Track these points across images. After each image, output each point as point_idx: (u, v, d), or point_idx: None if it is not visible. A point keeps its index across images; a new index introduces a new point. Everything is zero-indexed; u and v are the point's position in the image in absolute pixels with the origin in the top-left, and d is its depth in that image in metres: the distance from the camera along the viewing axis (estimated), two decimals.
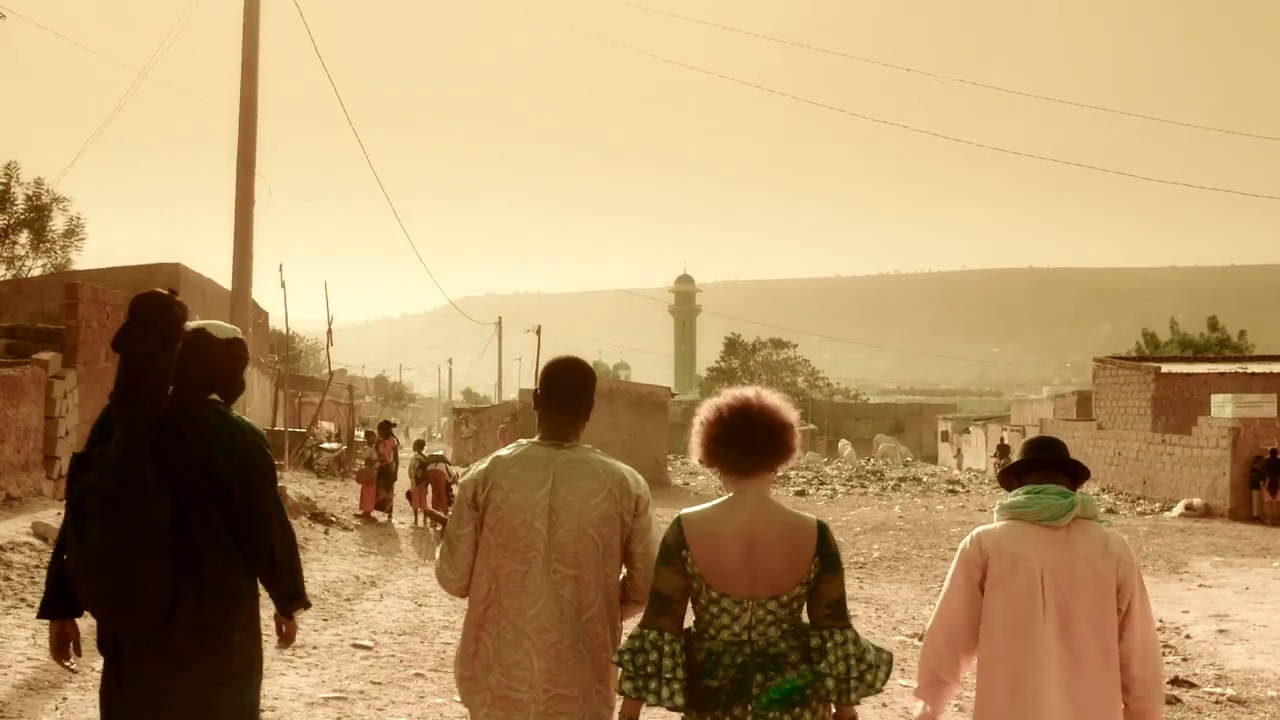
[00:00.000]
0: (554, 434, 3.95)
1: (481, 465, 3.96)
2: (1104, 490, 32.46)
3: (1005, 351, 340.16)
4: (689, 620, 3.67)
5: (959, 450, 55.73)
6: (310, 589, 12.16)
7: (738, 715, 3.48)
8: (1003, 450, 41.67)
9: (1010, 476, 4.10)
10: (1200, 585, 14.74)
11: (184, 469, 3.87)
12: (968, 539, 4.01)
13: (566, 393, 3.99)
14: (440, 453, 22.51)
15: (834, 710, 3.57)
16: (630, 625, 3.73)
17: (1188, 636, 11.12)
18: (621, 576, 3.93)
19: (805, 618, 3.64)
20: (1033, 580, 3.80)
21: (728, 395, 3.80)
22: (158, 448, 3.84)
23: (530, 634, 3.77)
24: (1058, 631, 3.76)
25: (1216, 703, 8.47)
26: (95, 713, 7.07)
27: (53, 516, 13.06)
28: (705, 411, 3.79)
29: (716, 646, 3.55)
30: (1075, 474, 4.02)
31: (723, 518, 3.62)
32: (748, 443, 3.67)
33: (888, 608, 12.28)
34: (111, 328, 19.51)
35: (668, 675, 3.51)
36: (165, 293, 4.01)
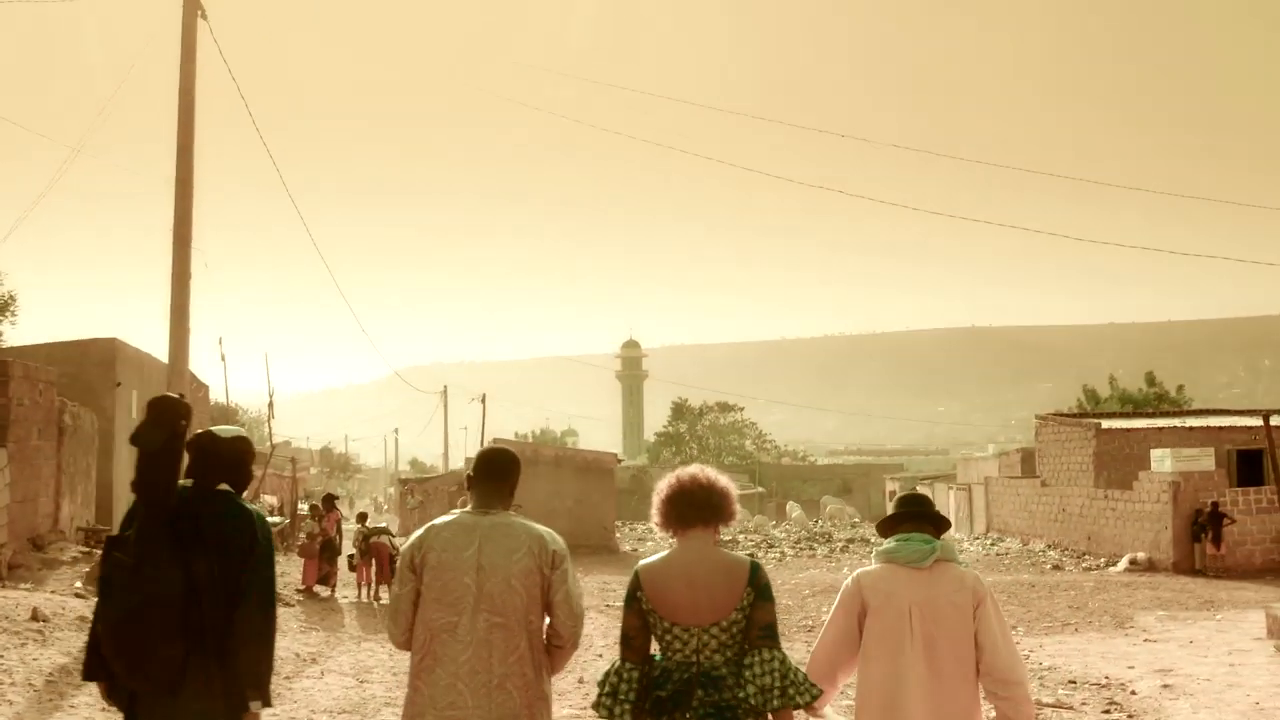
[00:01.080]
0: (482, 504, 4.60)
1: (419, 533, 4.59)
2: (1050, 547, 32.64)
3: (950, 410, 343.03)
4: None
5: None
6: None
7: (678, 718, 4.20)
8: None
9: (886, 526, 4.82)
10: (1145, 640, 14.80)
11: (198, 549, 4.43)
12: (849, 579, 4.70)
13: (494, 471, 4.67)
14: (384, 524, 22.25)
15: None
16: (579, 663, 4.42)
17: (1133, 693, 11.13)
18: (546, 624, 4.53)
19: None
20: (902, 613, 4.51)
21: (678, 473, 4.58)
22: (175, 531, 4.44)
23: (463, 676, 4.35)
24: (923, 654, 4.46)
25: None
26: None
27: None
28: (660, 484, 4.58)
29: (670, 665, 4.28)
30: (938, 523, 4.76)
31: (669, 563, 4.38)
32: (688, 501, 4.44)
33: None
34: (44, 405, 19.19)
35: (621, 696, 4.30)
36: (175, 396, 4.72)
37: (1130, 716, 10.07)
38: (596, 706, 4.36)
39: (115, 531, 4.67)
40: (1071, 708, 10.43)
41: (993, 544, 35.49)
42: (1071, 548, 31.55)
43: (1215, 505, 25.73)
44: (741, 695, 4.18)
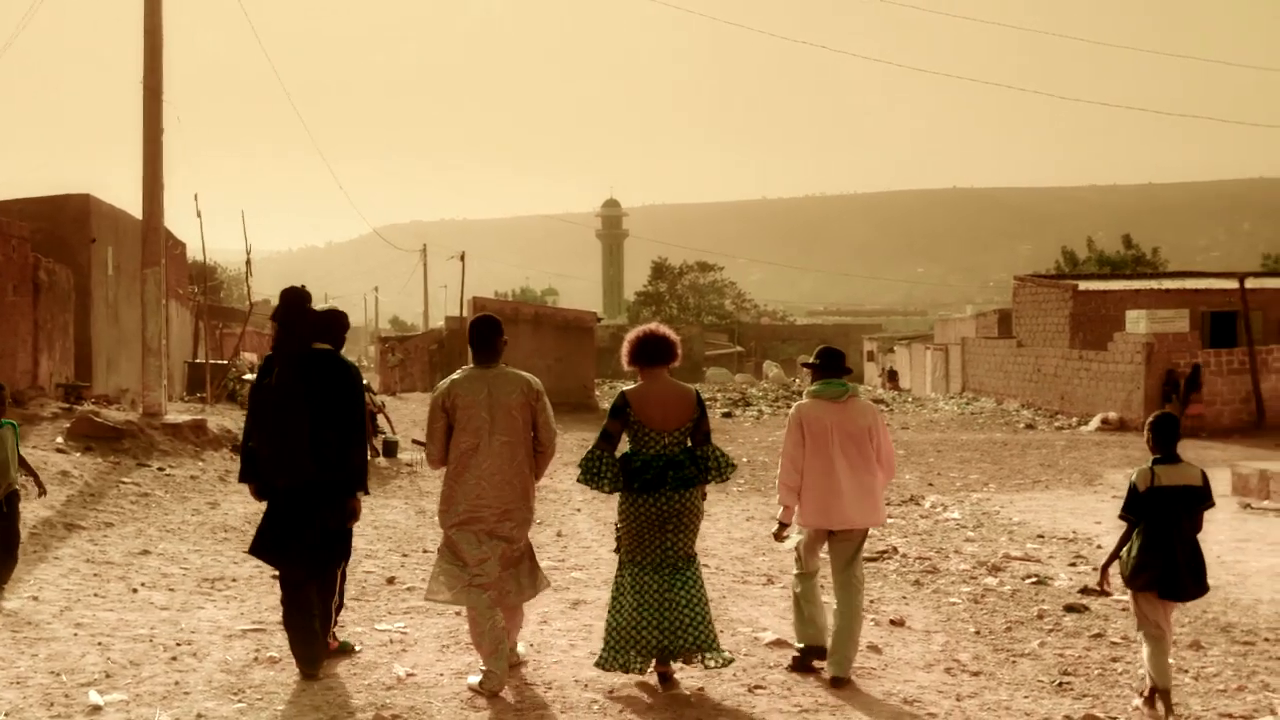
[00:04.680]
0: (483, 361, 6.70)
1: (444, 385, 6.66)
2: (1024, 406, 33.04)
3: (930, 271, 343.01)
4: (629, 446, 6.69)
5: (888, 369, 56.19)
6: (231, 521, 12.11)
7: (660, 492, 6.51)
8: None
9: (813, 371, 7.22)
10: (1113, 497, 15.07)
11: (317, 391, 6.58)
12: (793, 410, 7.11)
13: (486, 337, 6.71)
14: (365, 382, 22.30)
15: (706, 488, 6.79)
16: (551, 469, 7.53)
17: (1099, 547, 11.39)
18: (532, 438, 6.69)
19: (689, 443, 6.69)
20: (826, 430, 6.93)
21: (641, 327, 6.82)
22: (302, 378, 6.59)
23: (485, 476, 6.52)
24: (842, 453, 6.90)
25: (1124, 610, 8.69)
26: (3, 651, 6.97)
27: None
28: (629, 336, 6.80)
29: (647, 457, 6.57)
30: (847, 371, 7.20)
31: (645, 390, 6.64)
32: (653, 347, 6.69)
33: None
34: (18, 261, 19.02)
35: (606, 474, 6.57)
36: (300, 287, 6.87)
37: (1095, 569, 10.30)
38: (584, 479, 6.60)
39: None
40: (1039, 560, 10.69)
41: (968, 404, 35.91)
42: (1045, 407, 31.95)
43: (1197, 369, 26.01)
44: (704, 472, 6.62)
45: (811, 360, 7.25)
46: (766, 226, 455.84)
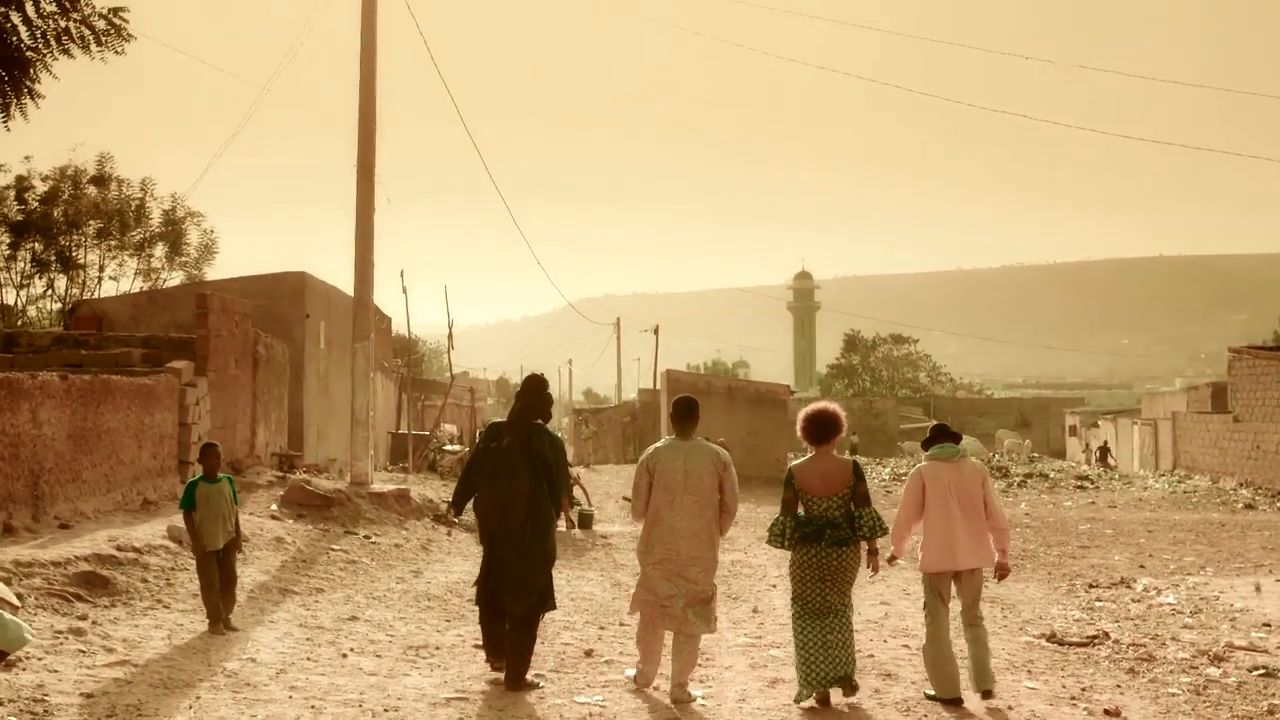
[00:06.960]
0: (681, 435, 8.22)
1: (650, 450, 8.24)
2: (1241, 485, 31.35)
3: (1135, 343, 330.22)
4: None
5: (1099, 446, 53.59)
6: (434, 590, 12.41)
7: (817, 546, 7.79)
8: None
9: (927, 441, 8.43)
10: None
11: (534, 457, 8.28)
12: (914, 470, 8.40)
13: (685, 415, 8.24)
14: None
15: (865, 546, 7.95)
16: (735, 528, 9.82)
17: None
18: (719, 500, 8.12)
19: (852, 507, 7.92)
20: (945, 487, 8.14)
21: (810, 407, 8.18)
22: (525, 444, 8.31)
23: (677, 528, 7.96)
24: (959, 508, 8.10)
25: None
26: (225, 711, 7.26)
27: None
28: (800, 415, 8.18)
29: (811, 517, 7.86)
30: (957, 439, 8.44)
31: (809, 463, 8.02)
32: (818, 432, 8.02)
33: (1014, 608, 11.99)
34: (240, 336, 20.04)
35: (786, 534, 7.94)
36: (541, 375, 8.65)
37: None
38: (770, 541, 8.02)
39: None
40: (1266, 651, 10.06)
41: (1179, 481, 34.28)
42: (1266, 487, 30.23)
43: None
44: (858, 532, 7.81)
45: (926, 437, 8.60)
46: (962, 298, 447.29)
